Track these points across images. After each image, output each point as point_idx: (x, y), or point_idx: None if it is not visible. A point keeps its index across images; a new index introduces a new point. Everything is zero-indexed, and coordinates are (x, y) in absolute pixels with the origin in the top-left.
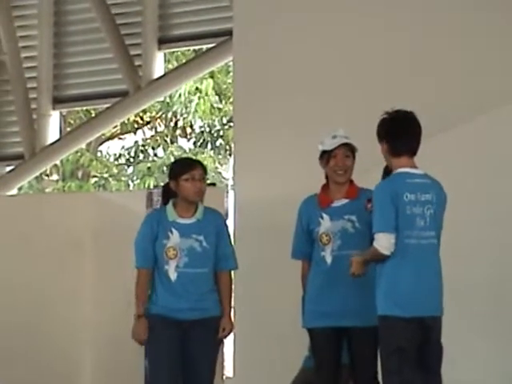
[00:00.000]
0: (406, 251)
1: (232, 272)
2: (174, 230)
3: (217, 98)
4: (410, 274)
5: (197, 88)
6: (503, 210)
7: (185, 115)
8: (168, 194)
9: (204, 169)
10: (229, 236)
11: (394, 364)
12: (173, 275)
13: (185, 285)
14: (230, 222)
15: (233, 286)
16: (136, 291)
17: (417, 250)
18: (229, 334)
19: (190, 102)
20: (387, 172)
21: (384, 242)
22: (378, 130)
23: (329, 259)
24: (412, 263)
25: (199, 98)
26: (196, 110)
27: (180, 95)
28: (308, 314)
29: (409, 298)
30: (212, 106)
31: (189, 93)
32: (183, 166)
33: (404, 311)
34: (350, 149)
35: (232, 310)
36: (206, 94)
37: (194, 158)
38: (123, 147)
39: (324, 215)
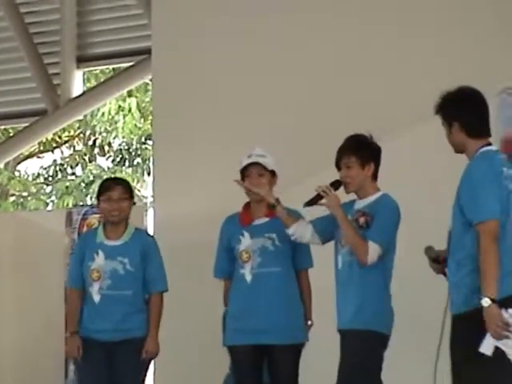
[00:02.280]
0: (389, 276)
1: (162, 294)
2: (100, 251)
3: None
4: (389, 299)
5: (119, 106)
6: None
7: (103, 134)
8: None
9: (125, 188)
10: (159, 257)
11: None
12: (96, 297)
13: (108, 307)
14: None
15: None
16: (68, 310)
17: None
18: (153, 355)
19: (116, 122)
20: (337, 186)
21: (374, 255)
22: (366, 152)
23: (248, 277)
24: (388, 287)
25: (124, 116)
26: (122, 128)
27: (103, 114)
28: (228, 332)
29: (391, 317)
30: (137, 126)
31: (110, 114)
32: (101, 187)
33: (388, 329)
34: (263, 167)
35: (158, 331)
36: (130, 111)
37: (118, 177)
38: (42, 166)
39: (245, 233)
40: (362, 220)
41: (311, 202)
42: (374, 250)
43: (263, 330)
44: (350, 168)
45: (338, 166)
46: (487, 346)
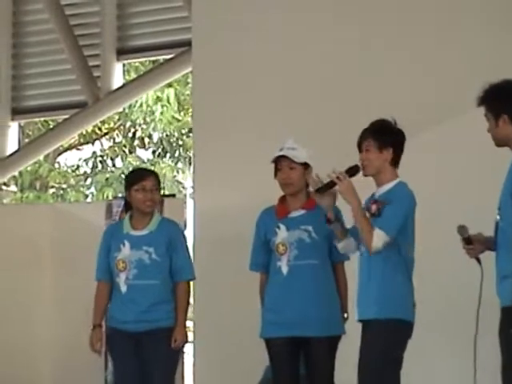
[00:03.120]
0: (410, 263)
1: (189, 282)
2: (126, 242)
3: (177, 107)
4: (410, 286)
5: (158, 97)
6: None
7: (143, 126)
8: (127, 205)
9: (157, 179)
10: (185, 246)
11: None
12: (123, 287)
13: (134, 297)
14: (189, 233)
15: (191, 297)
16: (94, 302)
17: (411, 262)
18: (182, 344)
19: (153, 112)
20: (354, 171)
21: (378, 242)
22: (384, 137)
23: (285, 269)
24: (410, 275)
25: (162, 106)
26: (160, 119)
27: (141, 104)
28: (265, 325)
29: (410, 304)
30: (177, 119)
31: (148, 105)
32: (134, 177)
33: (409, 316)
34: (293, 161)
35: (187, 321)
36: (168, 102)
37: (147, 168)
38: (81, 158)
39: (281, 225)
40: (373, 208)
41: (323, 189)
42: (377, 237)
43: (299, 322)
44: (368, 151)
45: (360, 149)
46: None
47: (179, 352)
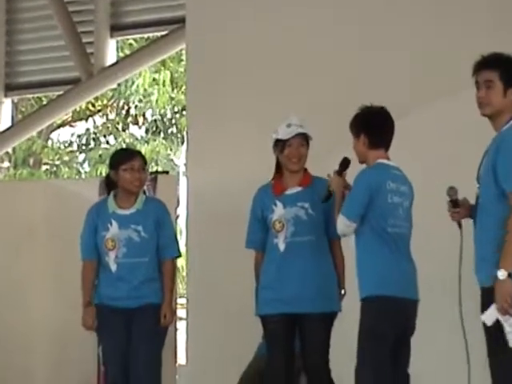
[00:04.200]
0: (390, 239)
1: (176, 260)
2: (113, 221)
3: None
4: (396, 260)
5: (154, 79)
6: None
7: (138, 104)
8: (110, 184)
9: (144, 159)
10: (171, 224)
11: (371, 350)
12: (113, 266)
13: (125, 274)
14: (182, 210)
15: (179, 274)
16: (81, 282)
17: (399, 238)
18: (170, 321)
19: (149, 94)
20: (345, 164)
21: (341, 226)
22: (355, 123)
23: (282, 246)
24: (396, 251)
25: (158, 90)
26: (156, 101)
27: (138, 86)
28: (261, 302)
29: (399, 280)
30: (170, 96)
31: (145, 88)
32: (123, 156)
33: (396, 291)
34: (304, 137)
35: (173, 298)
36: (164, 85)
37: (132, 148)
38: (74, 134)
39: (277, 202)
40: (345, 193)
41: (327, 199)
42: (339, 221)
43: (296, 298)
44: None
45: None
46: (489, 317)
47: (166, 329)
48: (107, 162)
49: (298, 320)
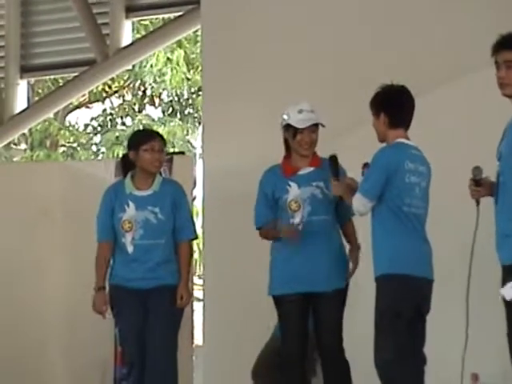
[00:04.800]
0: (406, 218)
1: (193, 241)
2: (130, 202)
3: (186, 67)
4: (412, 240)
5: (168, 58)
6: None
7: (153, 85)
8: (127, 165)
9: (163, 140)
10: (187, 206)
11: (390, 328)
12: (130, 248)
13: (140, 256)
14: (198, 191)
15: (194, 256)
16: (95, 264)
17: (415, 218)
18: (187, 302)
19: (163, 74)
20: (335, 165)
21: (357, 204)
22: (375, 102)
23: (299, 226)
24: (413, 230)
25: (172, 69)
26: (170, 81)
27: (152, 66)
28: (276, 282)
29: (415, 259)
30: (186, 77)
31: (157, 67)
32: (143, 137)
33: (411, 270)
34: (315, 124)
35: (190, 279)
36: (178, 64)
37: (152, 129)
38: (92, 117)
39: (291, 183)
40: (364, 172)
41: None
42: (355, 200)
43: (313, 277)
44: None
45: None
46: (509, 291)
47: (183, 310)
48: (124, 143)
49: (313, 299)
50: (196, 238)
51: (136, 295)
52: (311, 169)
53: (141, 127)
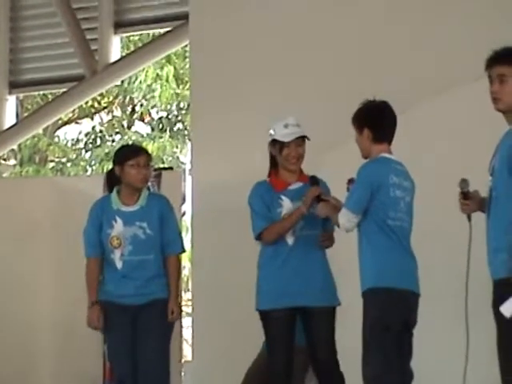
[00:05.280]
0: (391, 232)
1: (180, 255)
2: (117, 218)
3: (175, 82)
4: (397, 253)
5: (157, 75)
6: None
7: (143, 101)
8: (112, 180)
9: (149, 156)
10: (174, 220)
11: (378, 342)
12: (119, 264)
13: (130, 272)
14: (187, 206)
15: (182, 270)
16: (86, 280)
17: (400, 231)
18: (177, 317)
19: (153, 90)
20: (315, 182)
21: (344, 220)
22: (358, 117)
23: (290, 240)
24: (398, 244)
25: (161, 85)
26: (159, 97)
27: (141, 82)
28: (265, 295)
29: (400, 272)
30: (176, 93)
31: (147, 83)
32: (129, 152)
33: (398, 283)
34: (302, 137)
35: (179, 294)
36: (167, 81)
37: (137, 145)
38: (80, 132)
39: (283, 197)
40: (350, 187)
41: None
42: (341, 215)
43: (305, 292)
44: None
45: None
46: (508, 308)
47: (173, 324)
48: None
49: (304, 314)
50: (184, 251)
51: (127, 311)
52: (300, 184)
53: (130, 143)
